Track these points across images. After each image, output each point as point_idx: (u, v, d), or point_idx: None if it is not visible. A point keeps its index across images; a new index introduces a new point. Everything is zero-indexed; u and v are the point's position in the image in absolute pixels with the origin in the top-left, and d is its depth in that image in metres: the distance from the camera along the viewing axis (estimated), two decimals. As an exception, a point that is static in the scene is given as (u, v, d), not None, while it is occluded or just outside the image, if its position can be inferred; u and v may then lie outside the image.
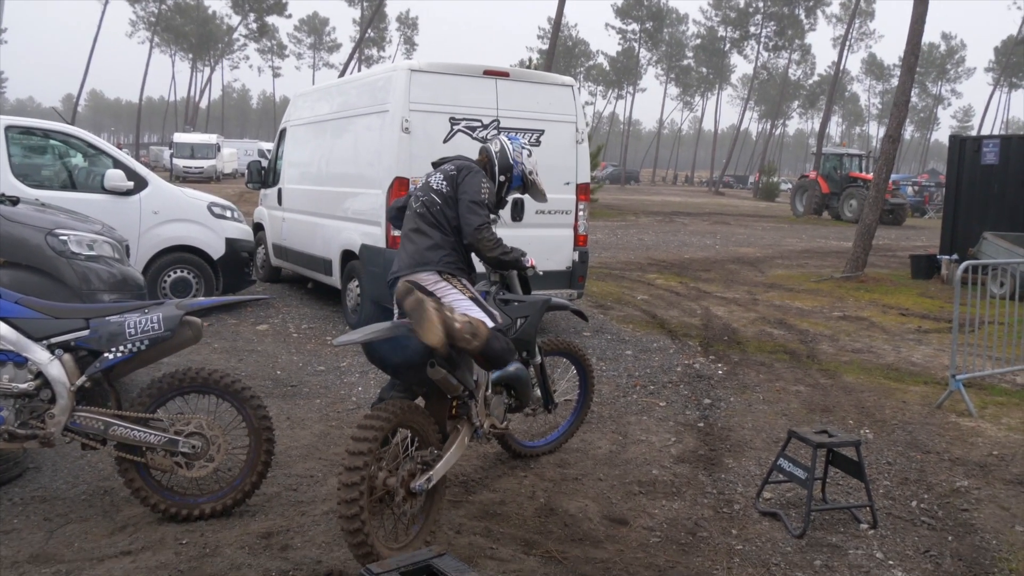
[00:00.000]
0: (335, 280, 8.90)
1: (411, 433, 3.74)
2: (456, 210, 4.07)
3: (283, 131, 10.81)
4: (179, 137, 45.87)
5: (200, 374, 4.01)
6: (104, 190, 8.16)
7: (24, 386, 3.80)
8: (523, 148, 4.41)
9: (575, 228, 8.45)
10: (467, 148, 7.73)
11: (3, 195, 5.68)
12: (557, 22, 31.56)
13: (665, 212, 33.04)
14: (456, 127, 7.73)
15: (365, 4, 75.76)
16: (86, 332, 3.87)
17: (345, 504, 3.31)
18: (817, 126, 40.59)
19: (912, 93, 15.09)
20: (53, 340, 3.85)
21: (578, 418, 5.27)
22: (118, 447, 3.90)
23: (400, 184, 7.28)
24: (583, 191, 8.44)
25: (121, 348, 3.84)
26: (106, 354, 3.85)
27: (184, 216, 8.64)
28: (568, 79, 8.61)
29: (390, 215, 4.78)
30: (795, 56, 79.58)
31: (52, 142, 8.23)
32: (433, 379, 3.77)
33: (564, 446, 5.24)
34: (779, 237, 23.05)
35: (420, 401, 4.04)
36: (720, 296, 11.85)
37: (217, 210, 8.93)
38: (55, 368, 3.82)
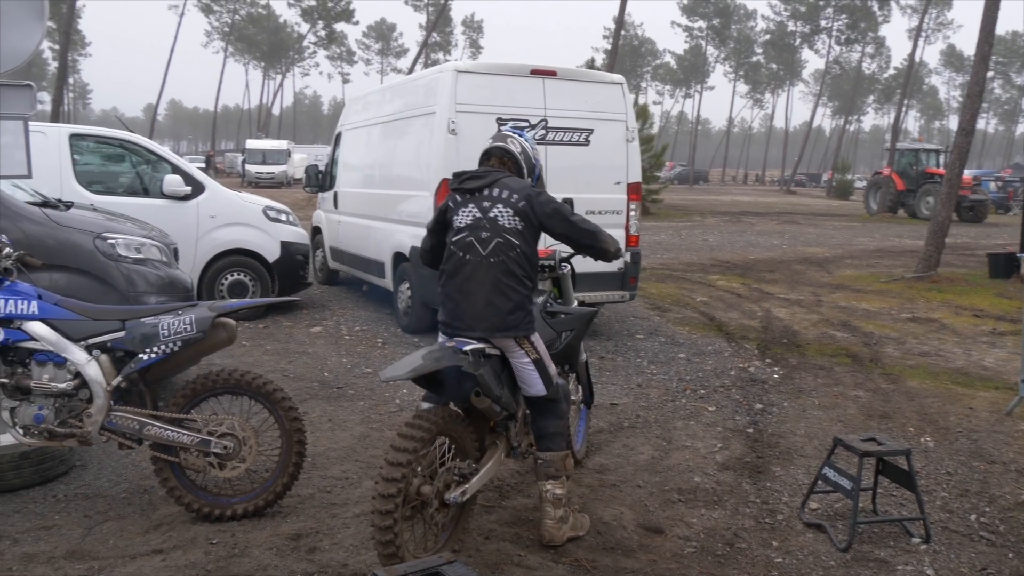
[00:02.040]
0: (387, 282, 8.94)
1: (450, 442, 3.67)
2: (534, 245, 3.75)
3: (338, 135, 10.93)
4: (251, 143, 46.98)
5: (233, 376, 4.04)
6: (163, 195, 8.36)
7: (63, 386, 3.88)
8: (533, 139, 4.17)
9: (626, 228, 8.30)
10: (515, 149, 7.71)
11: (57, 200, 5.85)
12: (620, 22, 31.30)
13: (733, 212, 32.45)
14: (503, 128, 7.65)
15: (431, 8, 76.47)
16: (122, 333, 3.92)
17: (380, 510, 3.25)
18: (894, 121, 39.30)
19: (994, 84, 14.44)
20: (91, 341, 3.92)
21: (588, 415, 5.13)
22: (153, 447, 3.95)
23: (447, 186, 7.26)
24: (634, 191, 8.29)
25: (155, 349, 3.89)
26: (140, 355, 3.90)
27: (240, 220, 8.80)
28: (617, 77, 8.47)
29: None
30: (868, 49, 77.43)
31: (114, 149, 8.46)
32: (478, 407, 3.71)
33: (605, 451, 5.13)
34: (850, 236, 22.38)
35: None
36: (783, 297, 11.53)
37: (272, 214, 9.06)
38: (92, 368, 3.89)
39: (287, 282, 9.14)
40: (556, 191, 7.94)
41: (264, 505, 4.07)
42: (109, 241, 5.20)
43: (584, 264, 8.03)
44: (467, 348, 3.54)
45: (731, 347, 8.26)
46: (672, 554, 3.79)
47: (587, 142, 8.06)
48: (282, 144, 46.77)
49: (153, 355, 3.89)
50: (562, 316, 4.35)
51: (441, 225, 3.88)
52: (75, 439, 3.92)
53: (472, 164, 4.02)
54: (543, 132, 7.84)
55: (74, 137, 8.15)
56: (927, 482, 4.70)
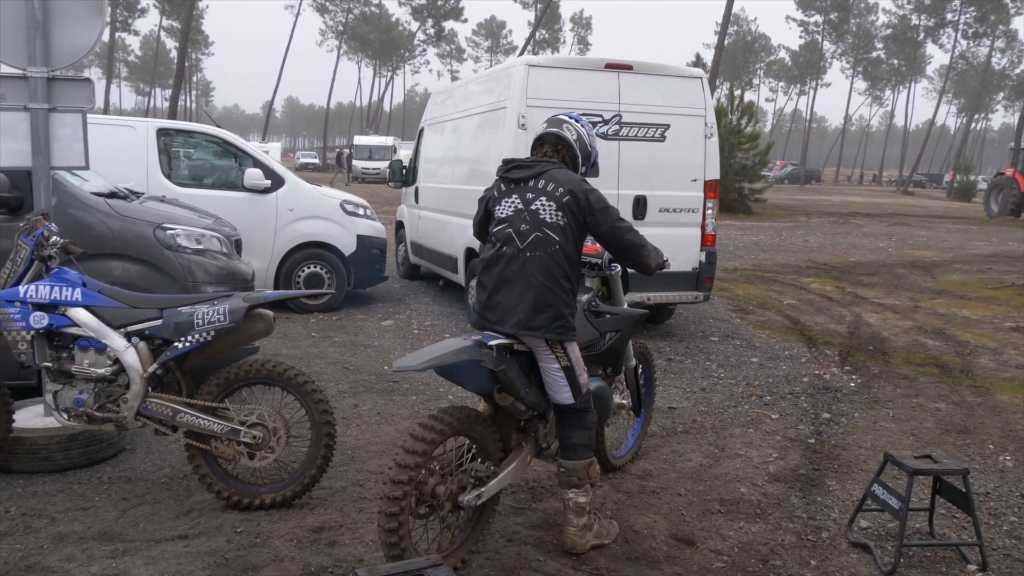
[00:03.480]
0: (460, 278, 8.94)
1: (470, 442, 3.59)
2: (577, 243, 3.55)
3: (421, 130, 11.01)
4: (359, 140, 48.17)
5: (265, 366, 4.07)
6: (244, 188, 8.60)
7: (102, 371, 4.00)
8: (591, 124, 3.89)
9: (702, 227, 8.03)
10: (585, 144, 7.56)
11: (128, 190, 6.07)
12: (726, 19, 30.51)
13: (842, 213, 31.17)
14: (558, 113, 7.52)
15: (538, 5, 76.57)
16: (159, 322, 4.01)
17: (386, 511, 3.20)
18: None
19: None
20: (130, 328, 4.02)
21: (645, 421, 4.95)
22: (186, 434, 4.02)
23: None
24: (712, 188, 8.01)
25: (190, 338, 3.95)
26: (176, 343, 3.97)
27: (318, 213, 8.96)
28: (697, 71, 8.19)
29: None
30: (999, 43, 72.87)
31: (199, 144, 8.75)
32: (500, 405, 3.62)
33: (652, 456, 4.95)
34: (964, 240, 21.13)
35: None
36: (877, 302, 10.95)
37: (349, 207, 9.19)
38: (130, 355, 3.99)
39: (363, 275, 9.26)
40: (630, 188, 7.87)
41: (292, 496, 4.09)
42: (169, 232, 5.36)
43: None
44: (492, 343, 3.44)
45: (810, 353, 7.88)
46: (699, 568, 3.60)
47: (663, 138, 7.83)
48: (388, 140, 47.79)
49: (188, 344, 3.96)
50: (608, 316, 4.19)
51: (486, 215, 3.77)
52: (112, 423, 4.04)
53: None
54: (617, 127, 7.66)
55: (161, 132, 8.47)
56: (996, 504, 4.33)
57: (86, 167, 4.59)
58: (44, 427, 4.44)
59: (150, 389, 4.06)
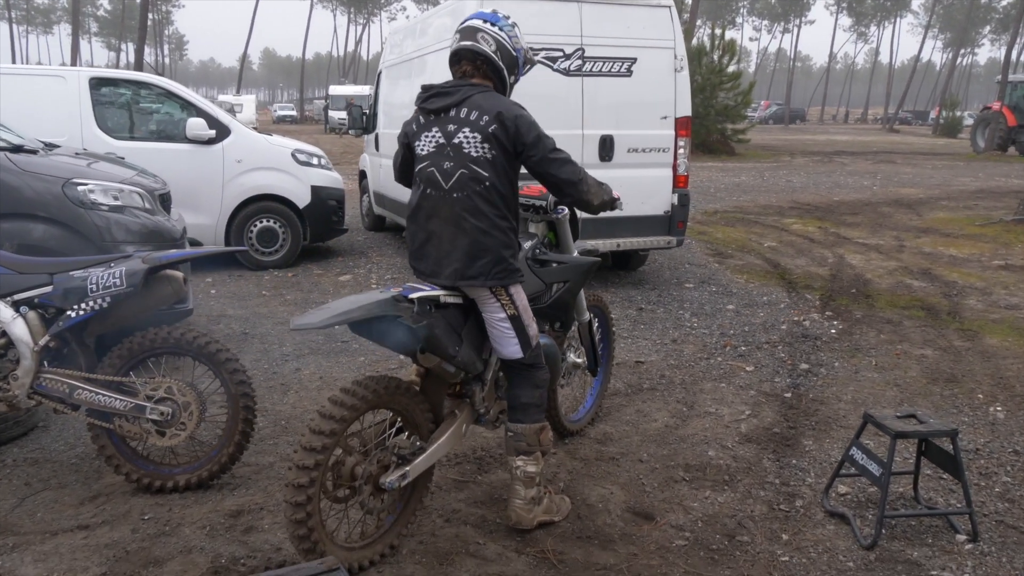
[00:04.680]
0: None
1: (393, 415, 3.16)
2: (510, 176, 3.11)
3: (379, 73, 10.42)
4: (334, 90, 47.07)
5: (172, 334, 3.62)
6: (187, 139, 8.04)
7: (-12, 345, 3.55)
8: (511, 25, 3.24)
9: (674, 168, 7.56)
10: (547, 81, 7.04)
11: (45, 143, 5.53)
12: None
13: (826, 152, 30.67)
14: (535, 57, 6.98)
15: (517, -53, 74.53)
16: (49, 288, 3.54)
17: (293, 491, 2.79)
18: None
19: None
20: (17, 297, 3.56)
21: (604, 380, 4.54)
22: (89, 412, 3.59)
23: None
24: (683, 126, 7.51)
25: (83, 306, 3.49)
26: (68, 312, 3.51)
27: (267, 164, 8.41)
28: (665, 0, 7.64)
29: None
30: (986, -25, 71.77)
31: (136, 93, 8.15)
32: (424, 366, 3.18)
33: (614, 417, 4.56)
34: (950, 176, 20.70)
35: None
36: (861, 242, 10.55)
37: (302, 157, 8.65)
38: (18, 327, 3.52)
39: (319, 229, 8.76)
40: (595, 128, 7.34)
41: (208, 476, 3.67)
42: (80, 188, 4.84)
43: (628, 206, 7.48)
44: (414, 295, 2.99)
45: (789, 298, 7.49)
46: (657, 547, 3.22)
47: (629, 72, 7.31)
48: (364, 89, 46.58)
49: (82, 312, 3.50)
50: (554, 265, 3.72)
51: (408, 152, 3.27)
52: (2, 403, 3.59)
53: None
54: (579, 62, 7.13)
55: (95, 81, 7.87)
56: (987, 463, 3.97)
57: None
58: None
59: (45, 364, 3.62)
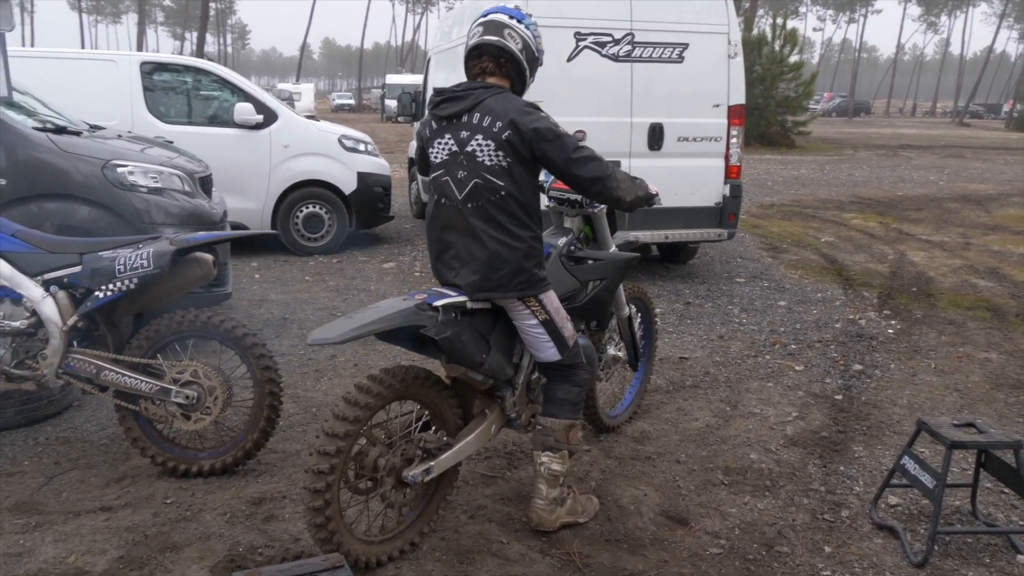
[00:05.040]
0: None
1: (421, 408, 3.05)
2: (528, 184, 2.91)
3: (428, 60, 10.33)
4: (391, 79, 47.18)
5: (199, 317, 3.56)
6: (236, 125, 8.06)
7: (18, 324, 3.54)
8: (535, 24, 3.11)
9: (726, 158, 7.32)
10: (595, 66, 6.86)
11: (92, 125, 5.55)
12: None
13: (891, 145, 29.76)
14: (582, 43, 6.82)
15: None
16: (78, 268, 3.52)
17: (312, 478, 2.70)
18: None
19: None
20: (48, 276, 3.54)
21: (645, 375, 4.37)
22: (115, 394, 3.56)
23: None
24: (736, 114, 7.26)
25: (111, 286, 3.46)
26: (96, 292, 3.48)
27: (314, 150, 8.39)
28: (720, -17, 7.37)
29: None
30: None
31: (186, 78, 8.19)
32: (451, 376, 3.07)
33: (653, 414, 4.39)
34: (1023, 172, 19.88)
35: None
36: (924, 239, 10.14)
37: (349, 143, 8.61)
38: (48, 306, 3.51)
39: (365, 215, 8.71)
40: (644, 115, 7.13)
41: (233, 462, 3.62)
42: (120, 169, 4.83)
43: (677, 197, 7.26)
44: (438, 303, 2.87)
45: (846, 295, 7.20)
46: (690, 554, 3.05)
47: (681, 58, 7.08)
48: (420, 78, 46.71)
49: (109, 293, 3.47)
50: (590, 262, 3.56)
51: (425, 160, 3.13)
52: (32, 382, 3.58)
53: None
54: (629, 47, 6.93)
55: (145, 66, 7.92)
56: (1053, 476, 3.70)
57: (8, 97, 4.06)
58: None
59: (75, 344, 3.60)
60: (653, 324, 4.36)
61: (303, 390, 4.67)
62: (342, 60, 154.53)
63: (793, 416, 4.41)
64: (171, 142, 6.52)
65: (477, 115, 2.88)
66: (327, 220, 8.50)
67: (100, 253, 3.53)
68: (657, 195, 3.29)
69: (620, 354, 4.03)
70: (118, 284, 3.46)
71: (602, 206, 3.66)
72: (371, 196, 8.65)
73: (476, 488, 3.53)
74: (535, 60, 3.07)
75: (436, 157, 2.99)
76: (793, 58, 26.03)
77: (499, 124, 2.85)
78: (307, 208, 8.43)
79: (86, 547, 3.03)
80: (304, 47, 67.33)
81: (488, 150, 2.86)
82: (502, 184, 2.86)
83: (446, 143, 2.95)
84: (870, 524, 3.28)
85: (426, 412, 3.06)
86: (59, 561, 2.93)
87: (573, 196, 3.59)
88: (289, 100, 27.99)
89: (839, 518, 3.33)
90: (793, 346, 5.68)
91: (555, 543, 3.10)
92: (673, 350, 5.54)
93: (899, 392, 4.79)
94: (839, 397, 4.71)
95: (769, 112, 25.69)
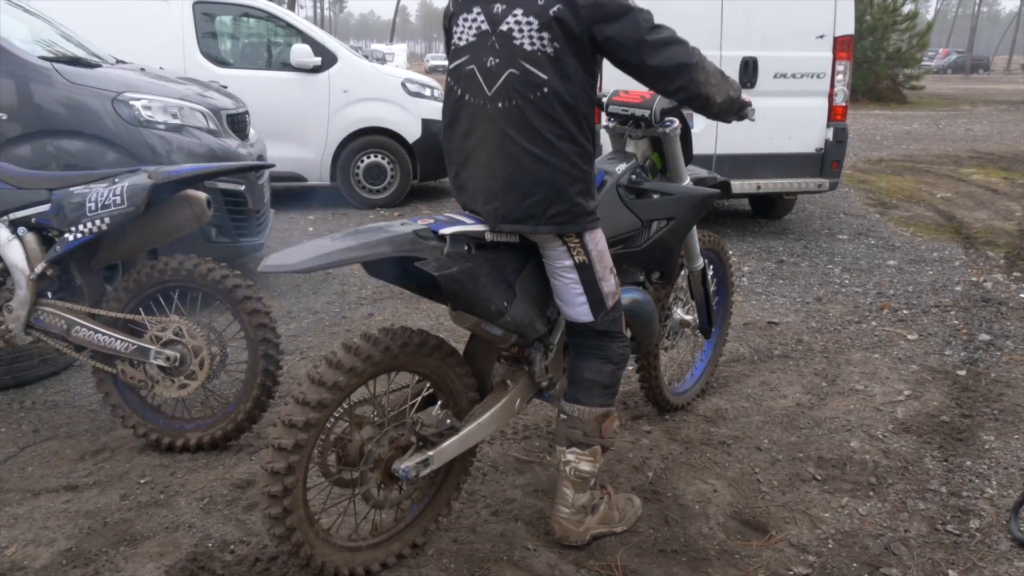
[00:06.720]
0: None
1: (420, 382, 2.39)
2: (582, 79, 2.16)
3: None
4: (481, 38, 46.46)
5: (184, 265, 3.02)
6: (293, 68, 7.56)
7: (-18, 271, 3.08)
8: None
9: (830, 97, 6.40)
10: None
11: (109, 56, 5.10)
12: None
13: (1013, 101, 27.39)
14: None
15: None
16: (47, 207, 3.02)
17: (269, 479, 2.08)
18: None
19: None
20: (14, 216, 3.06)
21: (718, 343, 3.63)
22: (92, 354, 3.07)
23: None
24: (843, 47, 6.32)
25: (81, 228, 2.95)
26: (67, 235, 2.98)
27: (376, 95, 7.82)
28: None
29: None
30: None
31: (240, 19, 7.72)
32: (462, 327, 2.40)
33: (731, 389, 3.67)
34: None
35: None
36: (1058, 195, 8.93)
37: (413, 88, 8.00)
38: (13, 250, 3.04)
39: (430, 166, 8.10)
40: (735, 48, 6.25)
41: (223, 436, 3.08)
42: (133, 103, 4.34)
43: (772, 141, 6.40)
44: (445, 231, 2.21)
45: (967, 255, 6.23)
46: (768, 573, 2.35)
47: (780, -18, 6.18)
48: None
49: (80, 235, 2.96)
50: (655, 196, 2.82)
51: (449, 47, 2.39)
52: (-1, 338, 3.13)
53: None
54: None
55: (198, 5, 7.47)
56: None
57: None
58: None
59: (50, 295, 3.12)
60: (729, 280, 3.60)
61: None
62: (438, 22, 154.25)
63: (905, 395, 3.61)
64: (225, 87, 6.05)
65: None
66: (389, 170, 7.95)
67: (71, 189, 3.03)
68: (751, 104, 2.56)
69: (689, 317, 3.30)
70: (88, 225, 2.95)
71: (676, 125, 2.89)
72: (437, 145, 8.04)
73: (506, 476, 2.91)
74: None
75: (460, 39, 2.26)
76: (907, 7, 24.11)
77: None
78: (368, 158, 7.89)
79: (32, 535, 2.54)
80: (397, 9, 67.02)
81: (530, 30, 2.12)
82: (545, 78, 2.12)
83: (474, 19, 2.21)
84: (1008, 540, 2.51)
85: (428, 386, 2.42)
86: (-8, 552, 2.45)
87: (639, 111, 2.82)
88: (382, 60, 27.66)
89: (967, 530, 2.57)
90: (905, 311, 4.82)
91: (594, 553, 2.45)
92: (761, 313, 4.77)
93: (1039, 369, 3.92)
94: (962, 373, 3.87)
95: (879, 65, 23.89)
